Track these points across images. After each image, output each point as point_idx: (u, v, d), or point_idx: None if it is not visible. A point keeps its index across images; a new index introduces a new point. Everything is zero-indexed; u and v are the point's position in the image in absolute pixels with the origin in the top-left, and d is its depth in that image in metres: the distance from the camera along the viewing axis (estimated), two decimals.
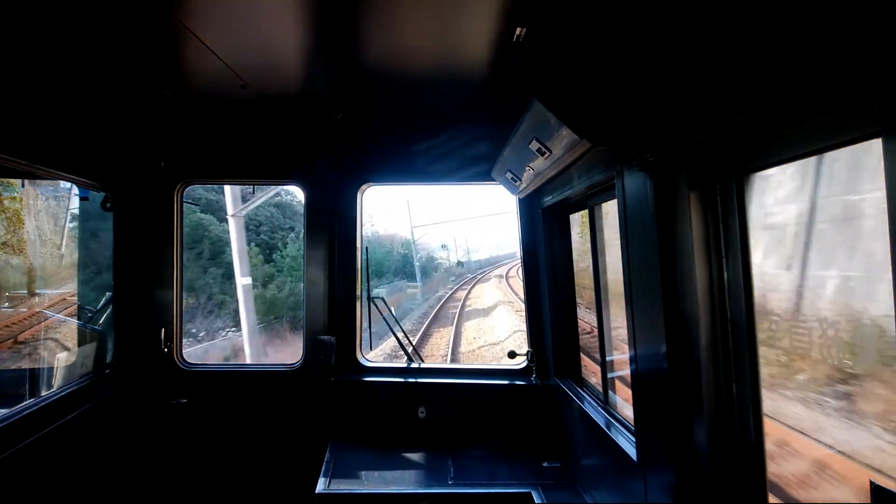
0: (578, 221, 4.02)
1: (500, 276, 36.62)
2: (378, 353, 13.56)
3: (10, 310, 11.52)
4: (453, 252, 48.96)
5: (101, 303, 4.36)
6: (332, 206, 4.39)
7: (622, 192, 2.44)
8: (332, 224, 4.40)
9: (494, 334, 16.94)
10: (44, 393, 3.53)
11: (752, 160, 1.77)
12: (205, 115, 4.08)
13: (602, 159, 2.62)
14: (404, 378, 4.33)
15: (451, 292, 30.30)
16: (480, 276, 39.85)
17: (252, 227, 23.59)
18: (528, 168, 3.12)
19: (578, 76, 2.28)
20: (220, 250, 21.04)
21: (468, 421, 4.19)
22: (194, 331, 17.76)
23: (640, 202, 2.27)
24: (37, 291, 12.28)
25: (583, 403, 3.44)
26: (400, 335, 4.76)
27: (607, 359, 3.41)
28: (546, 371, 4.22)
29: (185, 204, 4.53)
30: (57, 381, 4.04)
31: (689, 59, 2.00)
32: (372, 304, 4.54)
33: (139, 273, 4.26)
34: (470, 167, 4.32)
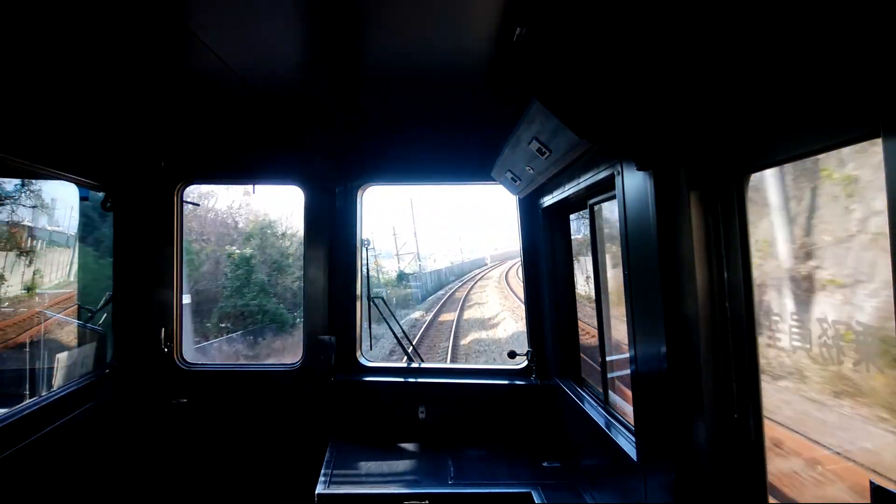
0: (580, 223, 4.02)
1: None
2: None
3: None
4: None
5: (101, 303, 4.36)
6: (331, 207, 4.39)
7: (622, 192, 2.44)
8: (331, 224, 4.40)
9: None
10: (43, 393, 3.53)
11: (752, 160, 1.77)
12: (205, 116, 4.07)
13: (602, 159, 2.62)
14: (404, 378, 4.32)
15: None
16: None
17: None
18: (528, 168, 3.11)
19: (578, 76, 2.28)
20: None
21: (468, 421, 4.19)
22: None
23: (640, 202, 2.27)
24: None
25: (583, 403, 3.44)
26: (399, 335, 4.76)
27: (607, 359, 3.41)
28: (546, 371, 4.22)
29: (184, 203, 4.53)
30: (56, 380, 4.04)
31: (690, 60, 2.00)
32: (372, 304, 4.54)
33: (139, 273, 4.26)
34: (470, 167, 4.32)
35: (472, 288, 25.49)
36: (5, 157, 2.93)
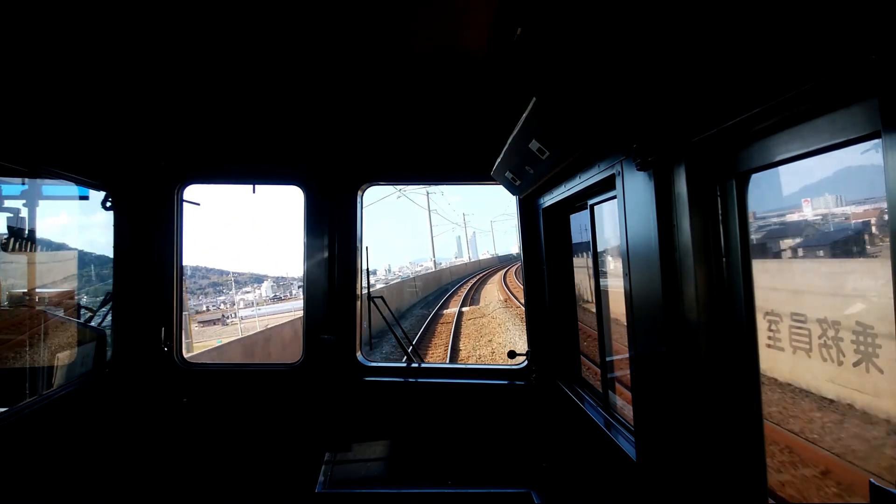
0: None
1: None
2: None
3: None
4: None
5: (100, 302, 4.36)
6: (331, 206, 4.39)
7: (622, 192, 2.44)
8: (332, 224, 4.40)
9: None
10: (43, 392, 3.53)
11: (752, 160, 1.77)
12: (205, 115, 4.07)
13: (602, 159, 2.62)
14: (404, 378, 4.32)
15: None
16: None
17: None
18: (528, 168, 3.11)
19: (579, 76, 2.28)
20: None
21: (468, 421, 4.19)
22: None
23: (640, 202, 2.27)
24: None
25: (582, 404, 3.44)
26: (399, 335, 4.76)
27: (607, 359, 3.41)
28: (546, 371, 4.22)
29: (184, 203, 4.53)
30: (55, 380, 4.05)
31: (690, 59, 2.00)
32: (372, 304, 4.54)
33: (139, 273, 4.26)
34: (469, 167, 4.32)
35: None
36: (7, 157, 2.94)
